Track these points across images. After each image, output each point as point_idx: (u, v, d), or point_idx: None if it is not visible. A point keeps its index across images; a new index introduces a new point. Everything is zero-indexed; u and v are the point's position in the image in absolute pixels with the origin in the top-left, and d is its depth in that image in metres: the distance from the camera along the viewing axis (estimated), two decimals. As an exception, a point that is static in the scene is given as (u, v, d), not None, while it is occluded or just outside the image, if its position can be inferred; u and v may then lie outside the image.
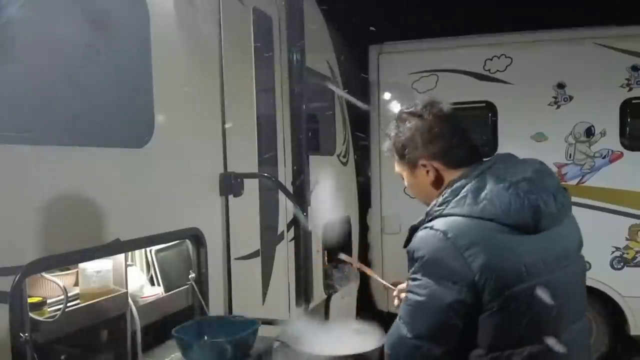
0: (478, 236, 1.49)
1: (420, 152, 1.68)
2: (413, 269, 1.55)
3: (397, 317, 1.60)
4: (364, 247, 5.30)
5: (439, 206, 1.59)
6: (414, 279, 1.55)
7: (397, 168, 1.80)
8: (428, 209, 1.65)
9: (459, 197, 1.56)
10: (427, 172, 1.69)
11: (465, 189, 1.56)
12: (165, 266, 2.65)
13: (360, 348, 2.11)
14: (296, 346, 2.11)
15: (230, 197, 2.77)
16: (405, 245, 1.64)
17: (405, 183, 1.80)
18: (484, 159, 1.70)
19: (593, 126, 4.79)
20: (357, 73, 5.32)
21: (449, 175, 1.66)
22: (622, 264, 4.74)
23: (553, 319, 1.54)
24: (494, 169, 1.61)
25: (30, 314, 1.78)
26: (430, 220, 1.59)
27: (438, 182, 1.68)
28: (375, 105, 5.31)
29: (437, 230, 1.52)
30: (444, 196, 1.60)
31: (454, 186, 1.60)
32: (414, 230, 1.64)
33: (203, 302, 2.55)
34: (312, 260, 3.39)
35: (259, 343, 2.27)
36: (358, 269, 2.15)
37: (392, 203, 5.24)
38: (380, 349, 2.03)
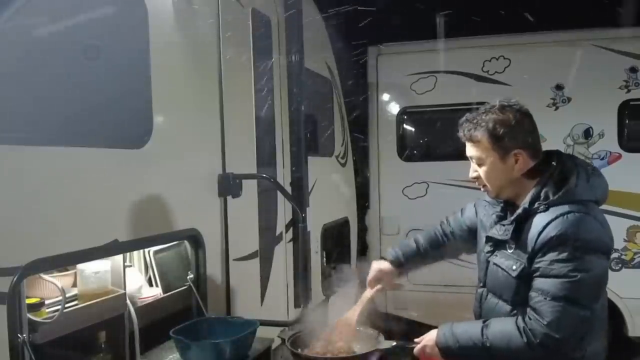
0: (601, 214, 1.77)
1: (517, 142, 1.81)
2: (570, 249, 1.67)
3: (552, 300, 1.67)
4: (363, 248, 5.30)
5: (561, 193, 1.75)
6: (573, 259, 1.66)
7: (477, 153, 1.86)
8: (534, 195, 1.79)
9: (570, 184, 1.76)
10: (517, 160, 1.82)
11: (570, 180, 1.77)
12: (164, 267, 2.65)
13: (359, 349, 2.11)
14: (295, 347, 2.12)
15: (229, 198, 2.77)
16: (516, 230, 1.78)
17: (483, 169, 1.87)
18: None
19: (591, 128, 4.79)
20: (356, 74, 5.32)
21: (529, 165, 1.83)
22: (620, 265, 4.74)
23: None
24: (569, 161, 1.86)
25: (29, 315, 1.77)
26: (550, 206, 1.74)
27: (520, 171, 1.83)
28: (374, 106, 5.31)
29: (582, 213, 1.71)
30: (552, 186, 1.78)
31: (555, 177, 1.80)
32: (525, 217, 1.77)
33: (201, 303, 2.55)
34: (311, 261, 3.38)
35: (258, 344, 2.27)
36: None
37: (391, 204, 5.24)
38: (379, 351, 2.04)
